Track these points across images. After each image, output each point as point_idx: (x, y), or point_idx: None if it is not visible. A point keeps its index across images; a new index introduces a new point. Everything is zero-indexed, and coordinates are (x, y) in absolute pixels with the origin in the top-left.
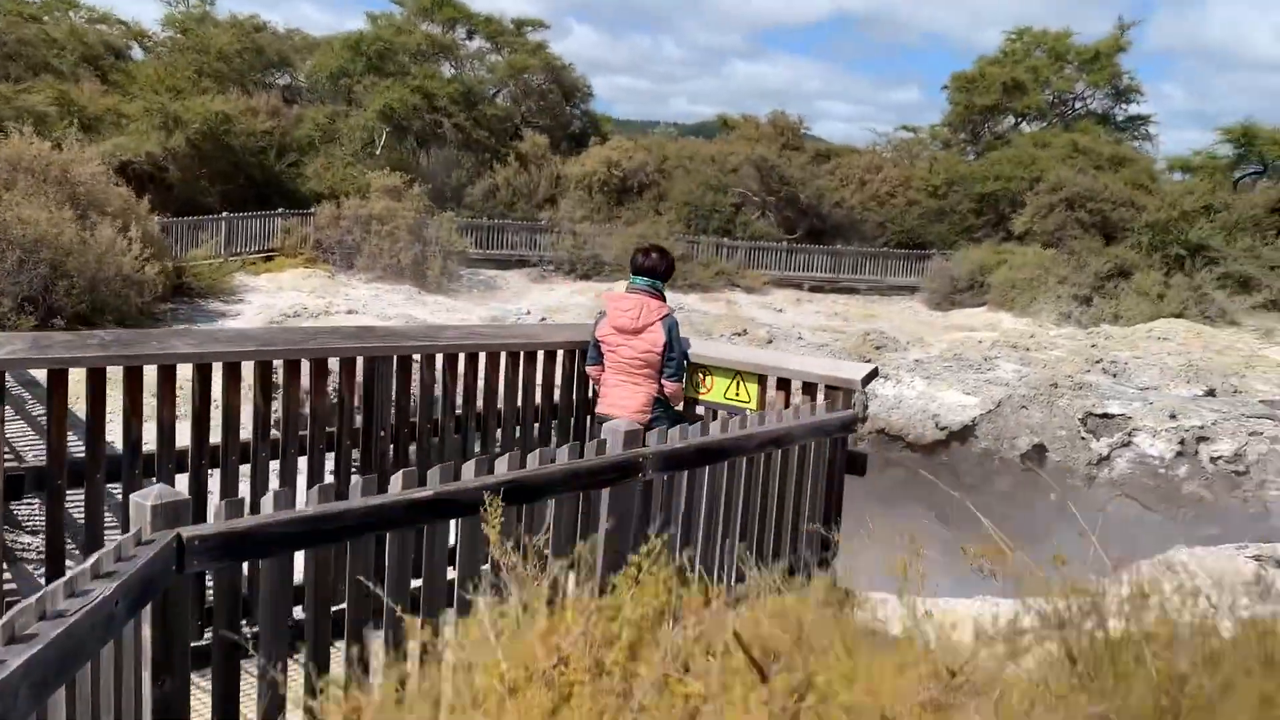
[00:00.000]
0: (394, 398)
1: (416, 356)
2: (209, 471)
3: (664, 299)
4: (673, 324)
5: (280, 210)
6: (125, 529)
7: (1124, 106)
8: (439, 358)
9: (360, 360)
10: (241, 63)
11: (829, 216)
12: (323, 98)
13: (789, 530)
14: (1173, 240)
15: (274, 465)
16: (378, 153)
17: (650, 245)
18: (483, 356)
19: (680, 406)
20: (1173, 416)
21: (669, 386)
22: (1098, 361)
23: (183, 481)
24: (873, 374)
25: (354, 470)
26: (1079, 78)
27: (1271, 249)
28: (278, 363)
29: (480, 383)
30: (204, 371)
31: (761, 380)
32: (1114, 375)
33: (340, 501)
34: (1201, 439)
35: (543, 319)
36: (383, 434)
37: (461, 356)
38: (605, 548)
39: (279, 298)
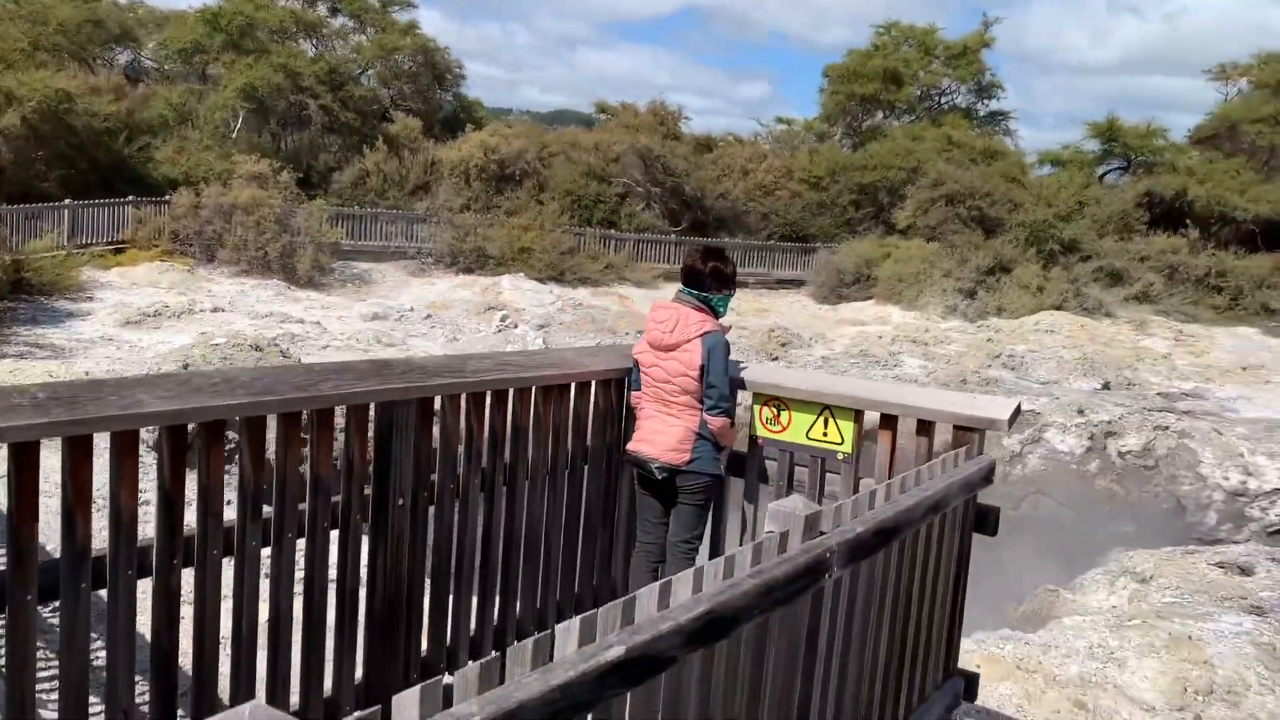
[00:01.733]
0: (414, 452)
1: (438, 397)
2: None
3: (714, 314)
4: (715, 343)
5: (131, 198)
6: (61, 665)
7: (985, 102)
8: (464, 398)
9: (374, 407)
10: (81, 36)
11: (713, 209)
12: (173, 76)
13: (928, 620)
14: (1049, 235)
15: (264, 554)
16: (234, 135)
17: (701, 248)
18: (511, 393)
19: (732, 446)
20: (1080, 412)
21: (712, 422)
22: (997, 356)
23: (145, 587)
24: (1018, 411)
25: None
26: (945, 72)
27: (1138, 243)
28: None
29: (509, 425)
30: (177, 434)
31: (858, 417)
32: (1014, 369)
33: (509, 689)
34: (1110, 434)
35: (427, 315)
36: (400, 502)
37: (489, 395)
38: (770, 689)
39: (135, 295)
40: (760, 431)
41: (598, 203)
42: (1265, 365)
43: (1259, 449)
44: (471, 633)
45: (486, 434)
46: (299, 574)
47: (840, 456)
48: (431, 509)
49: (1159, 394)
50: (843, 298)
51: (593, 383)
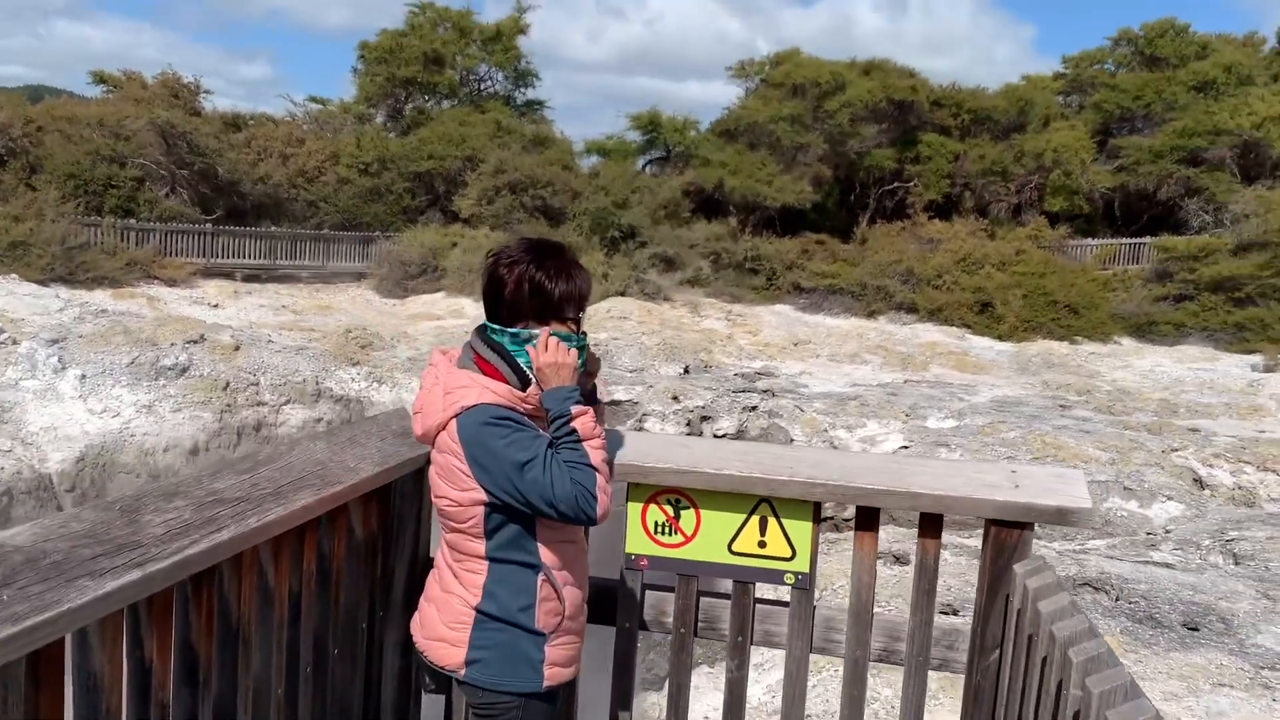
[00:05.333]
0: None
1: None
2: None
3: (512, 369)
4: (475, 432)
5: None
6: None
7: (523, 90)
8: (125, 612)
9: None
10: None
11: (250, 194)
12: None
13: None
14: (610, 223)
15: None
16: None
17: (511, 244)
18: (223, 570)
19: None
20: (675, 398)
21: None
22: None
23: None
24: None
25: None
26: (483, 56)
27: (689, 230)
28: None
29: (215, 629)
30: None
31: (817, 513)
32: (601, 358)
33: None
34: (705, 418)
35: None
36: None
37: (177, 594)
38: None
39: None
40: (643, 548)
41: (110, 188)
42: (811, 341)
43: (838, 423)
44: None
45: (174, 659)
46: None
47: (790, 580)
48: None
49: (737, 374)
50: (410, 290)
51: (348, 504)
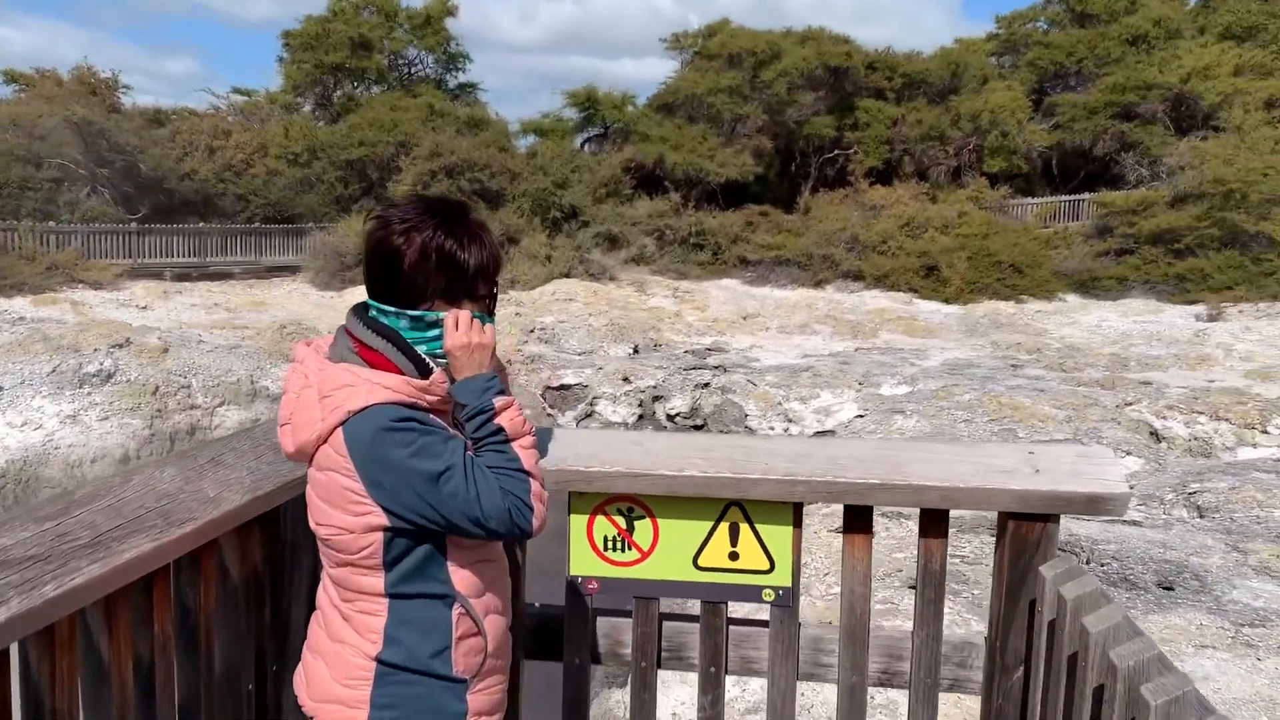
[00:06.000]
0: None
1: None
2: None
3: (412, 359)
4: (376, 434)
5: None
6: None
7: (454, 74)
8: None
9: None
10: None
11: (178, 191)
12: None
13: None
14: (551, 203)
15: None
16: None
17: (400, 205)
18: (30, 651)
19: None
20: (626, 379)
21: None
22: (531, 330)
23: None
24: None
25: None
26: (411, 40)
27: (631, 208)
28: None
29: None
30: None
31: (797, 515)
32: (549, 342)
33: None
34: (657, 398)
35: None
36: None
37: None
38: None
39: None
40: (591, 569)
41: (26, 190)
42: (760, 314)
43: (791, 395)
44: None
45: None
46: None
47: (769, 596)
48: None
49: (687, 351)
50: (347, 281)
51: (219, 539)
